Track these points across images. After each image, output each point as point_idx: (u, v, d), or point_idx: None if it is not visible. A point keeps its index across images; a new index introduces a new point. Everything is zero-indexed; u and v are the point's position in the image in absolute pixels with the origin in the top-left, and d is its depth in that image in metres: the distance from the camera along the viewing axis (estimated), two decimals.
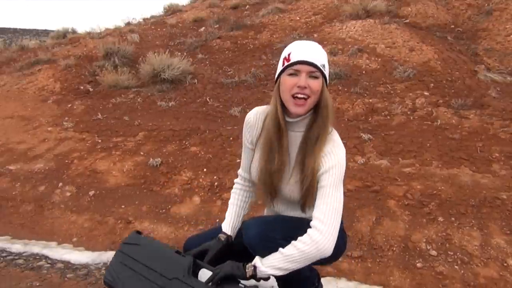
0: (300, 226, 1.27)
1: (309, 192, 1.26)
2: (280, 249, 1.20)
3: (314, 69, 1.22)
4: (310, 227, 1.21)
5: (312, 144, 1.25)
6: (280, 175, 1.32)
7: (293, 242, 1.20)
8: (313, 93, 1.23)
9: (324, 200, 1.21)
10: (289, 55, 1.24)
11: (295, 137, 1.31)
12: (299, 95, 1.22)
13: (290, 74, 1.23)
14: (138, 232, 1.45)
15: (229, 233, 1.42)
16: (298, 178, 1.28)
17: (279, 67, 1.28)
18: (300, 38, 4.73)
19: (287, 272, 1.20)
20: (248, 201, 1.51)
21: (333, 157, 1.23)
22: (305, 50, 1.23)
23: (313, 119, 1.27)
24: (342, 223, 1.47)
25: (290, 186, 1.31)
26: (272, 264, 1.20)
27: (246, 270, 1.23)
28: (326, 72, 1.26)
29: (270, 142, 1.31)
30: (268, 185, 1.34)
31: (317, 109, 1.27)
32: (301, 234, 1.22)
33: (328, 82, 1.29)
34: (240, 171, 1.51)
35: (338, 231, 1.21)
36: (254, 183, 1.48)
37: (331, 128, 1.30)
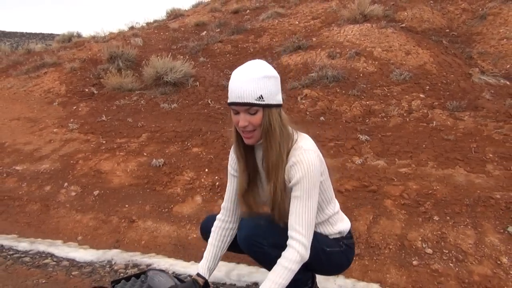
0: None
1: (277, 206, 1.31)
2: (271, 277, 1.23)
3: (248, 107, 1.23)
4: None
5: (273, 165, 1.27)
6: (254, 193, 1.39)
7: (281, 261, 1.24)
8: (257, 126, 1.25)
9: (300, 211, 1.25)
10: (229, 91, 1.26)
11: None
12: (244, 132, 1.27)
13: (233, 111, 1.28)
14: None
15: (206, 276, 1.45)
16: (268, 194, 1.33)
17: None
18: (299, 41, 4.80)
19: None
20: (228, 240, 1.51)
21: (301, 166, 1.24)
22: (237, 88, 1.22)
23: (265, 145, 1.28)
24: (351, 237, 1.51)
25: (265, 201, 1.38)
26: None
27: None
28: (267, 98, 1.22)
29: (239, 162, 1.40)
30: (247, 204, 1.40)
31: (264, 135, 1.27)
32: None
33: (273, 104, 1.25)
34: (223, 204, 1.52)
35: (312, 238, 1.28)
36: (238, 216, 1.50)
37: (296, 136, 1.31)
